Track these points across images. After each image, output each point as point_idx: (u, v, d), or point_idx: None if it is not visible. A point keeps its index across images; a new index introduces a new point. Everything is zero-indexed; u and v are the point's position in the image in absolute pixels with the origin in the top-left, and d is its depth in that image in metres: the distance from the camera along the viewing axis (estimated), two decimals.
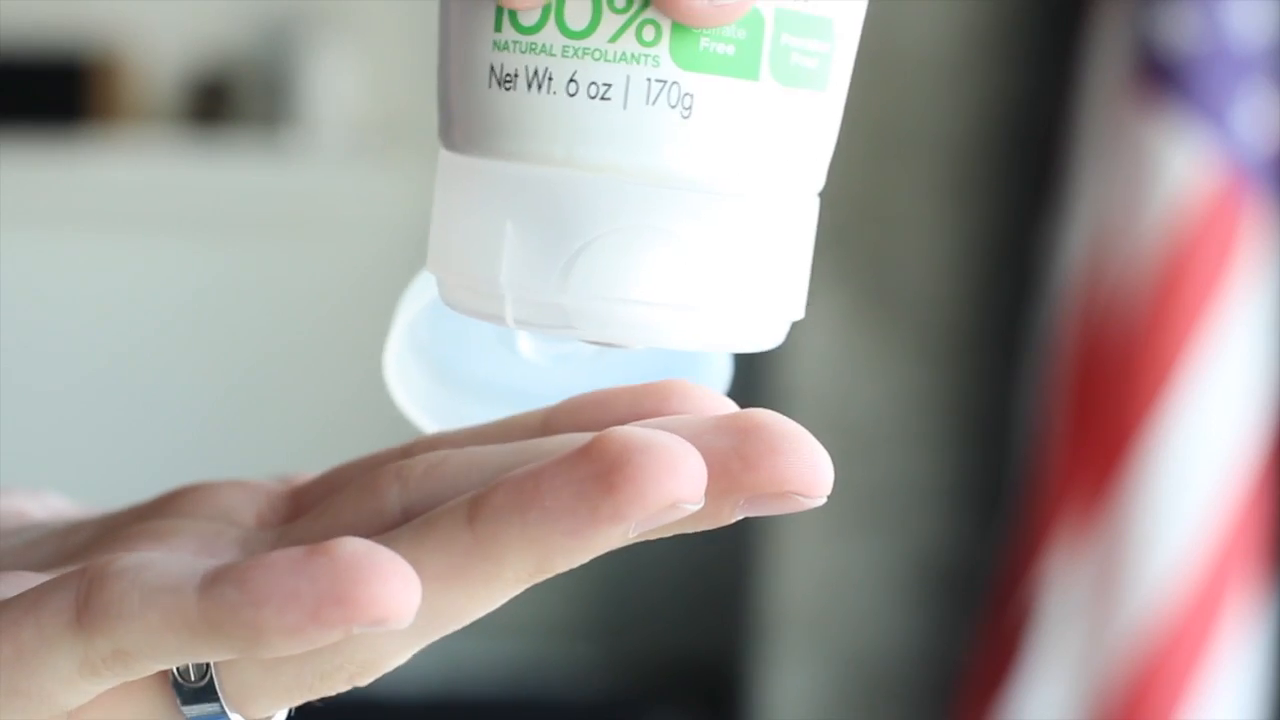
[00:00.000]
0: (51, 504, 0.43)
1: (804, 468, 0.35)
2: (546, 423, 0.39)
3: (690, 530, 0.35)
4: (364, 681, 0.36)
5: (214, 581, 0.33)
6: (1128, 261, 1.51)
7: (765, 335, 0.38)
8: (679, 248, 0.36)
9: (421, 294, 0.43)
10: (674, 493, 0.33)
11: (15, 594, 0.35)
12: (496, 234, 0.36)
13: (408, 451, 0.40)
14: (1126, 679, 1.50)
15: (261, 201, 2.02)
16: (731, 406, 0.37)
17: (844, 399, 1.71)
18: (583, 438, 0.35)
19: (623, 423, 0.36)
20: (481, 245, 0.37)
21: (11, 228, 1.98)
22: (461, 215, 0.38)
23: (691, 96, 0.36)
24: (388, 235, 2.05)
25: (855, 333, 1.71)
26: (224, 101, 2.01)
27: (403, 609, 0.32)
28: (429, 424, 0.43)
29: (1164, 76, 1.51)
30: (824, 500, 0.35)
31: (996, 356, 1.72)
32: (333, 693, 0.36)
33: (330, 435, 2.06)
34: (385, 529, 0.36)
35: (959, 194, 1.71)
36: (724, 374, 0.43)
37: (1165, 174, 1.50)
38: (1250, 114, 1.52)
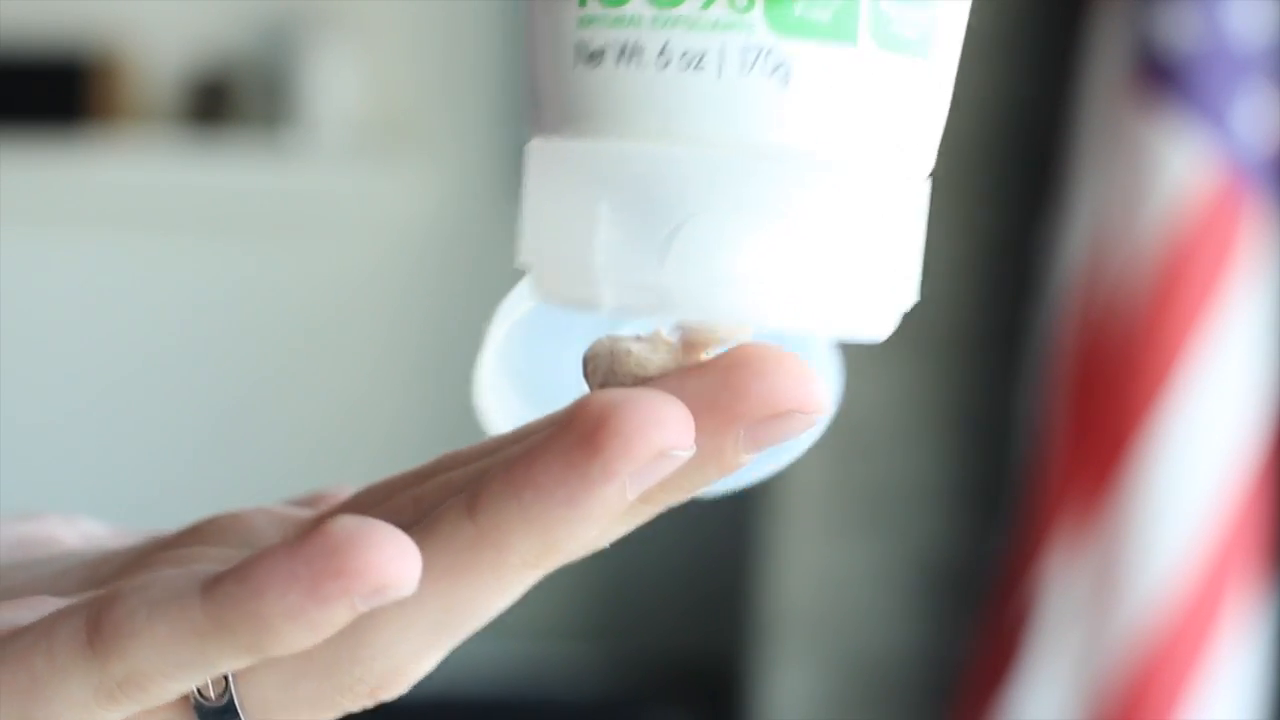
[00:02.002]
0: (86, 529, 0.42)
1: (793, 382, 0.34)
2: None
3: (702, 485, 0.35)
4: (387, 695, 0.35)
5: (216, 582, 0.33)
6: (1127, 261, 1.51)
7: (874, 320, 0.37)
8: (781, 222, 0.34)
9: (513, 310, 0.42)
10: (660, 439, 0.33)
11: (34, 618, 0.35)
12: (590, 215, 0.35)
13: (426, 474, 0.39)
14: (1126, 679, 1.50)
15: (261, 201, 2.02)
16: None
17: (844, 399, 1.71)
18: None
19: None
20: (575, 228, 0.35)
21: (11, 227, 1.98)
22: (553, 200, 0.36)
23: (788, 63, 0.34)
24: (388, 235, 2.05)
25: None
26: (224, 101, 2.01)
27: (402, 574, 0.32)
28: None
29: (1164, 76, 1.51)
30: (824, 416, 0.35)
31: (996, 356, 1.72)
32: (356, 708, 0.35)
33: (330, 434, 2.06)
34: None
35: (959, 194, 1.71)
36: (831, 373, 0.42)
37: (1165, 174, 1.50)
38: (1250, 114, 1.52)
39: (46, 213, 2.00)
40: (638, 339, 0.36)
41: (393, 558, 0.32)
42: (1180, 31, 1.50)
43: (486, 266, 2.05)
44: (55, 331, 2.03)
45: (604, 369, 0.36)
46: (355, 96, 2.01)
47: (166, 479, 2.02)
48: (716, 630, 1.97)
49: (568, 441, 0.33)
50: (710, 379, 0.34)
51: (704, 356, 0.35)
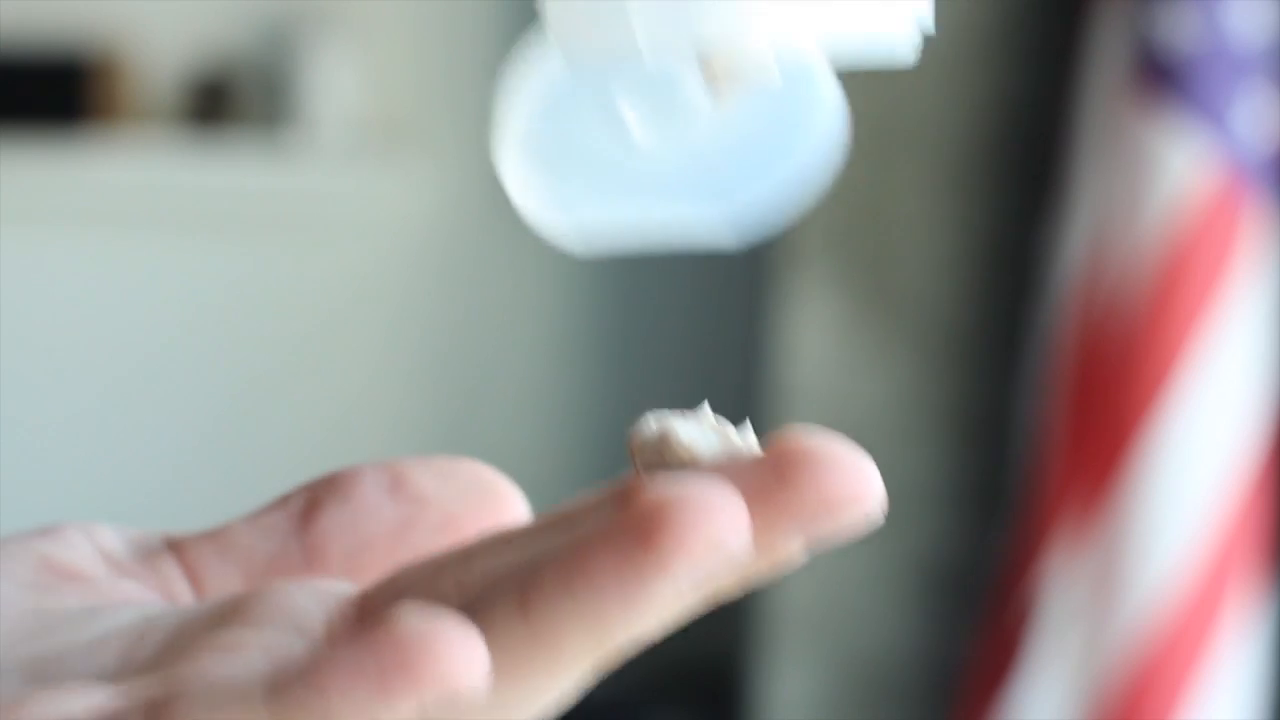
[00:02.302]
0: (104, 542, 0.41)
1: (848, 475, 0.34)
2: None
3: (757, 578, 0.34)
4: None
5: (281, 684, 0.32)
6: (1127, 261, 1.51)
7: (896, 36, 0.35)
8: None
9: (528, 76, 0.40)
10: (716, 534, 0.32)
11: (83, 710, 0.33)
12: None
13: (473, 554, 0.38)
14: (1126, 678, 1.50)
15: (261, 201, 2.02)
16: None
17: (844, 399, 1.71)
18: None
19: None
20: None
21: (11, 227, 1.98)
22: None
23: None
24: (388, 235, 2.05)
25: (855, 333, 1.71)
26: (224, 101, 2.01)
27: (474, 677, 0.31)
28: (539, 210, 0.40)
29: (1164, 76, 1.51)
30: (879, 512, 0.34)
31: (996, 356, 1.72)
32: None
33: (331, 434, 2.06)
34: None
35: (959, 194, 1.71)
36: (837, 129, 0.41)
37: (1165, 174, 1.50)
38: (1250, 114, 1.51)
39: (46, 213, 2.00)
40: (684, 418, 0.36)
41: (466, 660, 0.31)
42: (1180, 31, 1.50)
43: (486, 266, 2.05)
44: (55, 331, 2.03)
45: (651, 451, 0.36)
46: (355, 96, 2.01)
47: (167, 478, 2.02)
48: (717, 630, 1.96)
49: (623, 536, 0.32)
50: (764, 469, 0.33)
51: (729, 87, 0.35)
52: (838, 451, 0.34)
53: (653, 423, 0.36)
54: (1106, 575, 1.50)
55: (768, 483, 0.33)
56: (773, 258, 1.78)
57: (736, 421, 0.36)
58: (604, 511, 0.34)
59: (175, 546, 0.41)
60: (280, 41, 2.01)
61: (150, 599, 0.39)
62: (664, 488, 0.32)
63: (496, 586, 0.35)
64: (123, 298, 2.03)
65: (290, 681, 0.32)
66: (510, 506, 0.41)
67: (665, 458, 0.35)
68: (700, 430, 0.36)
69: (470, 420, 2.06)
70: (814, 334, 1.71)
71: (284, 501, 0.42)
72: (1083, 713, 1.51)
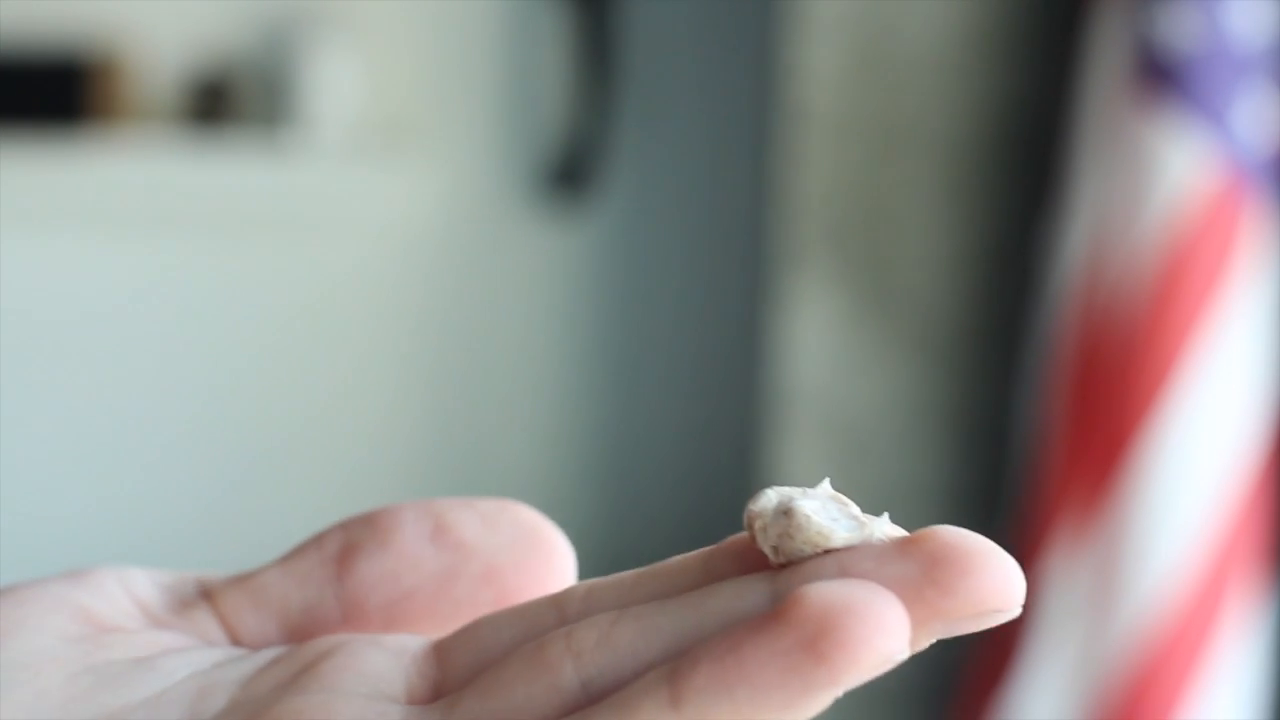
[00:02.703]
0: (135, 587, 0.40)
1: (1001, 584, 0.33)
2: (707, 567, 0.37)
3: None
4: None
5: None
6: (1127, 261, 1.51)
7: None
8: None
9: None
10: (885, 649, 0.32)
11: None
12: None
13: (561, 605, 0.37)
14: (1126, 679, 1.50)
15: (261, 201, 2.02)
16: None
17: (844, 399, 1.71)
18: (757, 589, 0.34)
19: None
20: None
21: (11, 228, 1.98)
22: None
23: None
24: (387, 235, 2.05)
25: (855, 333, 1.71)
26: (224, 101, 2.01)
27: None
28: None
29: (1164, 76, 1.51)
30: (1019, 613, 0.34)
31: (996, 356, 1.72)
32: None
33: (330, 434, 2.06)
34: (565, 707, 0.35)
35: (959, 194, 1.71)
36: None
37: (1165, 174, 1.50)
38: (1250, 114, 1.51)
39: (46, 213, 2.00)
40: (808, 496, 0.36)
41: None
42: (1180, 31, 1.50)
43: (486, 266, 2.05)
44: (55, 331, 2.03)
45: (778, 532, 0.35)
46: (355, 96, 2.01)
47: (167, 477, 2.02)
48: None
49: (788, 642, 0.32)
50: (913, 567, 0.33)
51: None
52: (990, 554, 0.33)
53: (774, 497, 0.36)
54: (1106, 575, 1.50)
55: (919, 582, 0.33)
56: (773, 258, 1.78)
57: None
58: (749, 598, 0.33)
59: (208, 594, 0.40)
60: (280, 41, 2.01)
61: (193, 651, 0.39)
62: (828, 594, 0.32)
63: (637, 673, 0.34)
64: (123, 298, 2.03)
65: None
66: (557, 556, 0.40)
67: (795, 539, 0.35)
68: (827, 510, 0.35)
69: (470, 420, 2.06)
70: (814, 334, 1.71)
71: (318, 543, 0.41)
72: (1083, 712, 1.52)
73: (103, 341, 2.03)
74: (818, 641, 0.32)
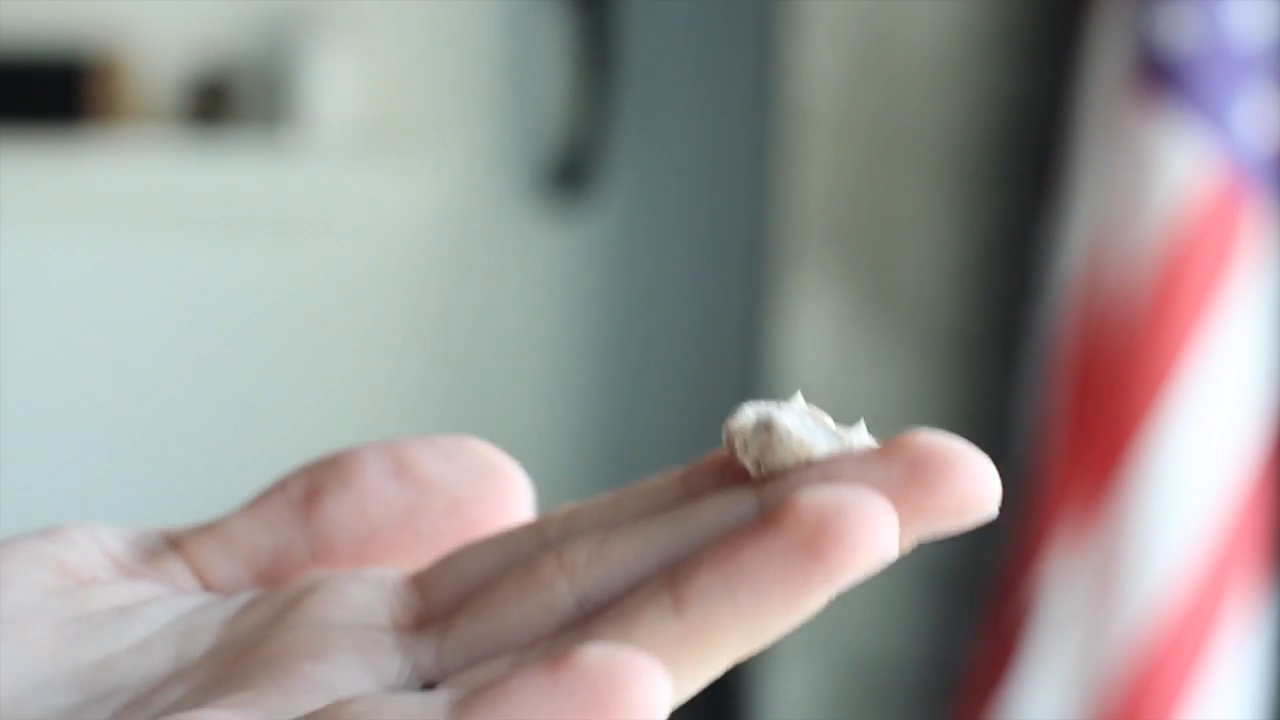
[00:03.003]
0: (105, 541, 0.40)
1: (981, 483, 0.35)
2: (687, 484, 0.38)
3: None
4: None
5: (465, 704, 0.31)
6: (1127, 261, 1.51)
7: None
8: None
9: None
10: (879, 546, 0.33)
11: None
12: None
13: (540, 530, 0.38)
14: (1126, 679, 1.50)
15: (261, 201, 2.02)
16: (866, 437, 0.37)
17: (843, 398, 1.71)
18: (745, 500, 0.35)
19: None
20: None
21: (11, 228, 1.98)
22: None
23: None
24: (388, 235, 2.05)
25: (855, 333, 1.71)
26: (224, 101, 2.01)
27: (660, 703, 0.31)
28: None
29: (1164, 76, 1.51)
30: (995, 514, 0.35)
31: (996, 356, 1.72)
32: None
33: (331, 433, 2.06)
34: (560, 623, 0.35)
35: (959, 194, 1.71)
36: None
37: (1165, 174, 1.50)
38: (1250, 114, 1.52)
39: (46, 213, 2.00)
40: (784, 409, 0.36)
41: (654, 690, 0.31)
42: (1180, 31, 1.50)
43: (486, 266, 2.05)
44: (55, 331, 2.03)
45: (759, 447, 0.36)
46: (355, 96, 2.01)
47: (167, 477, 2.02)
48: None
49: (786, 543, 0.33)
50: (895, 471, 0.35)
51: None
52: (968, 456, 0.36)
53: (752, 413, 0.36)
54: (1106, 575, 1.50)
55: (903, 485, 0.35)
56: (773, 258, 1.78)
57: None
58: (738, 508, 0.35)
59: (176, 543, 0.41)
60: (280, 41, 2.01)
61: (170, 598, 0.39)
62: (821, 497, 0.33)
63: (632, 587, 0.35)
64: (123, 298, 2.03)
65: (477, 706, 0.31)
66: (516, 488, 0.41)
67: (777, 453, 0.36)
68: (805, 423, 0.36)
69: (471, 420, 2.06)
70: (814, 334, 1.71)
71: (282, 487, 0.41)
72: (1083, 713, 1.51)
73: (102, 341, 2.03)
74: (815, 541, 0.33)
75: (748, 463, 0.36)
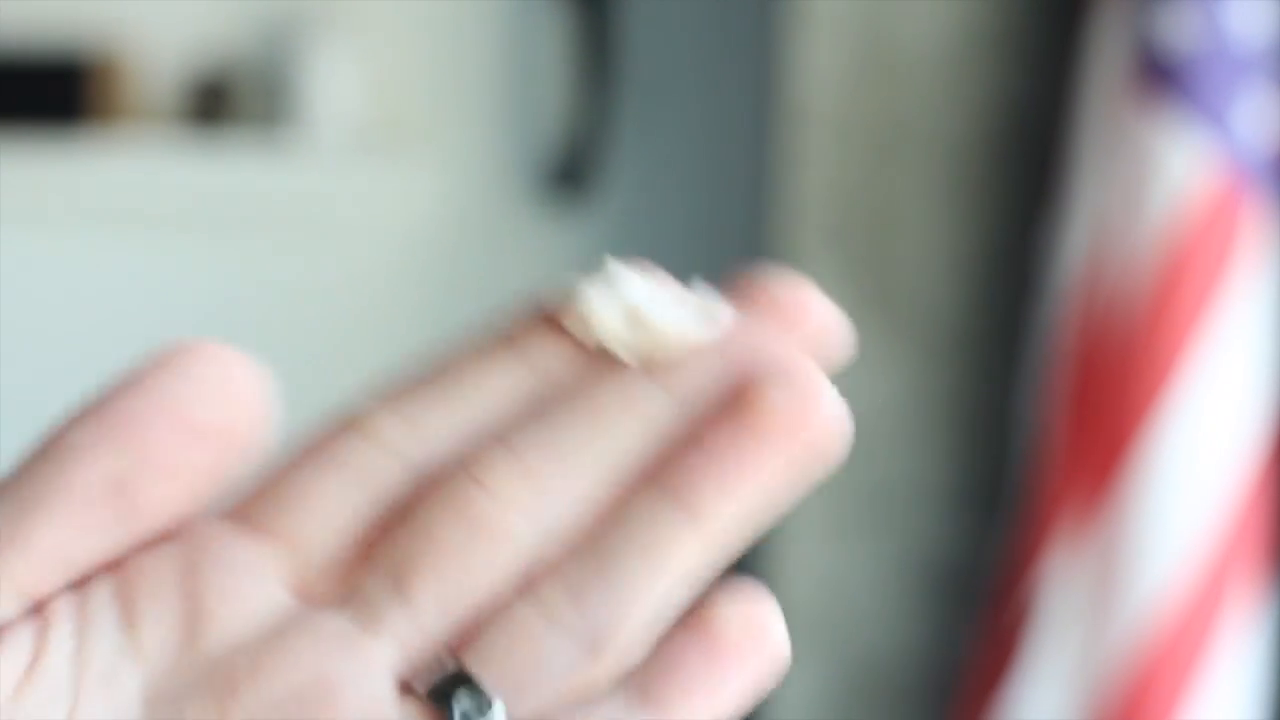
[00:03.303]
0: None
1: (828, 305, 0.38)
2: (523, 356, 0.37)
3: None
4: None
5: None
6: (1127, 261, 1.51)
7: None
8: None
9: None
10: (843, 411, 0.36)
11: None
12: None
13: (372, 435, 0.37)
14: (1126, 679, 1.50)
15: (261, 201, 2.02)
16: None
17: (844, 398, 1.71)
18: (655, 398, 0.35)
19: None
20: None
21: (11, 227, 1.98)
22: None
23: None
24: (387, 235, 2.05)
25: (855, 332, 1.71)
26: (224, 101, 2.01)
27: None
28: None
29: (1164, 76, 1.51)
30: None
31: (996, 356, 1.72)
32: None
33: None
34: (529, 561, 0.34)
35: (959, 194, 1.71)
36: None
37: (1165, 174, 1.50)
38: (1250, 114, 1.51)
39: (46, 213, 2.00)
40: (633, 289, 0.37)
41: (784, 632, 0.36)
42: (1180, 31, 1.50)
43: (486, 266, 2.05)
44: (55, 331, 2.03)
45: (631, 339, 0.36)
46: (355, 96, 2.01)
47: None
48: None
49: (778, 435, 0.35)
50: (789, 333, 0.37)
51: None
52: (807, 285, 0.38)
53: (606, 300, 0.36)
54: (1106, 575, 1.50)
55: (803, 346, 0.37)
56: (773, 258, 1.78)
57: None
58: (660, 407, 0.34)
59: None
60: (280, 41, 2.01)
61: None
62: (782, 381, 0.35)
63: (595, 509, 0.34)
64: (123, 297, 2.03)
65: (663, 700, 0.35)
66: (204, 357, 0.36)
67: (655, 341, 0.36)
68: (665, 306, 0.37)
69: None
70: None
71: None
72: (1082, 713, 1.51)
73: (103, 341, 2.03)
74: (804, 426, 0.35)
75: (616, 350, 0.35)
